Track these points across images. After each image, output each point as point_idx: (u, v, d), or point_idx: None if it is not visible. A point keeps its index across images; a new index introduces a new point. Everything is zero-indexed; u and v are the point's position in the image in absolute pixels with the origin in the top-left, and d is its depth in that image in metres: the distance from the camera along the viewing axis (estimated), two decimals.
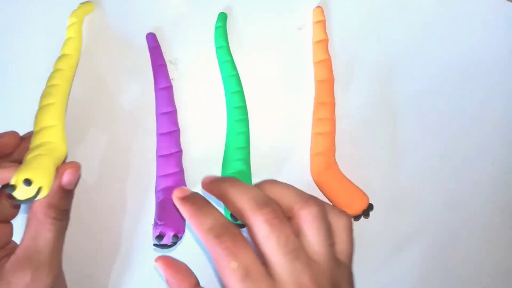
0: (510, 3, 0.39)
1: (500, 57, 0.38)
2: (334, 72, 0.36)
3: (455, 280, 0.34)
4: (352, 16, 0.38)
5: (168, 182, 0.31)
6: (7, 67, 0.35)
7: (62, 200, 0.26)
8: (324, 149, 0.33)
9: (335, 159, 0.34)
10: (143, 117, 0.34)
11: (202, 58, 0.36)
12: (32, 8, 0.36)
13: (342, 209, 0.33)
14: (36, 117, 0.29)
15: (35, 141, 0.28)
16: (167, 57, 0.35)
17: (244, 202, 0.22)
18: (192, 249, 0.32)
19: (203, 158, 0.34)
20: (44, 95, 0.30)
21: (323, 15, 0.37)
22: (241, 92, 0.35)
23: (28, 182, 0.24)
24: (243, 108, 0.34)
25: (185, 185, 0.32)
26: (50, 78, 0.31)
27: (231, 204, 0.22)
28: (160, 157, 0.32)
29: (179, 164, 0.33)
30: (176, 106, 0.34)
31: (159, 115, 0.34)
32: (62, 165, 0.27)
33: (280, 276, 0.20)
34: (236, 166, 0.32)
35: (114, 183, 0.33)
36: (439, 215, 0.35)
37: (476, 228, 0.35)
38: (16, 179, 0.24)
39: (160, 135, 0.33)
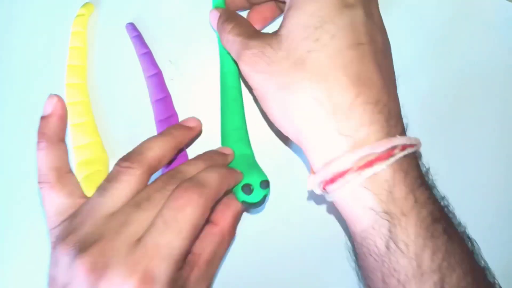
0: (510, 3, 0.39)
1: (500, 57, 0.38)
2: None
3: None
4: None
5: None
6: (6, 72, 0.35)
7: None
8: None
9: None
10: (142, 122, 0.34)
11: (202, 58, 0.36)
12: (32, 8, 0.37)
13: None
14: (74, 134, 0.32)
15: (81, 157, 0.31)
16: (167, 57, 0.36)
17: None
18: None
19: None
20: (74, 113, 0.33)
21: None
22: (236, 73, 0.33)
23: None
24: (238, 88, 0.33)
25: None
26: (71, 93, 0.33)
27: None
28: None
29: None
30: (176, 107, 0.34)
31: (154, 102, 0.34)
32: None
33: None
34: (237, 148, 0.32)
35: None
36: None
37: (476, 228, 0.35)
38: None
39: (158, 121, 0.33)
